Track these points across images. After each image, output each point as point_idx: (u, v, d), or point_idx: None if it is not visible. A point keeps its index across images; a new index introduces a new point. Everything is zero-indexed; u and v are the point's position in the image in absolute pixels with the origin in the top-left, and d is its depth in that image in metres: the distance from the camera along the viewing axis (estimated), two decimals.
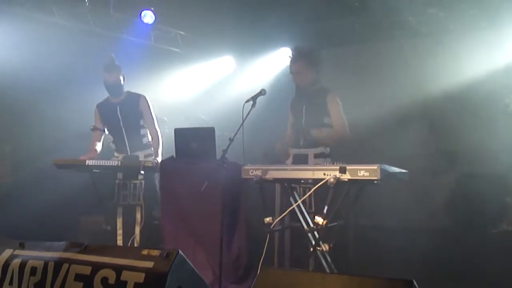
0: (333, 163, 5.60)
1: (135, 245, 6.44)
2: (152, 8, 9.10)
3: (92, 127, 7.15)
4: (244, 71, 10.30)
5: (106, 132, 7.16)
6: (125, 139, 6.98)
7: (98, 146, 7.11)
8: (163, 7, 9.23)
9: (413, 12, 8.23)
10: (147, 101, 7.02)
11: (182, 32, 10.24)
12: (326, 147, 6.11)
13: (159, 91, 7.19)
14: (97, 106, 7.20)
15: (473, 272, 5.86)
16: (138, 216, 6.54)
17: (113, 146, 7.11)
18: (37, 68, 8.03)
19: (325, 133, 6.07)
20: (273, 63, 10.12)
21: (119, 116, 6.97)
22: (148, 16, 9.13)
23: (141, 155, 6.85)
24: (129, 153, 6.94)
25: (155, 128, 6.94)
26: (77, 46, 8.78)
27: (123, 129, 6.96)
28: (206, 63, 10.67)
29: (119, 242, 6.54)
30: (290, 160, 6.27)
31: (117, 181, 6.64)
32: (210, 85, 10.63)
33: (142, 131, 6.98)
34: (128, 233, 6.60)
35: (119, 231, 6.62)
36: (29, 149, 8.37)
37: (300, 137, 6.23)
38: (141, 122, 7.00)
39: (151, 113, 7.01)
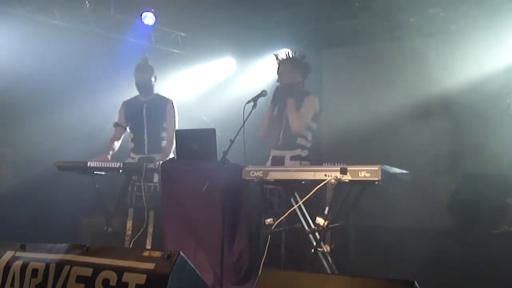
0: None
1: (147, 247, 6.45)
2: (153, 10, 9.11)
3: (114, 123, 7.21)
4: (245, 72, 10.30)
5: (128, 130, 7.20)
6: (145, 138, 7.04)
7: (117, 144, 7.20)
8: (164, 9, 9.23)
9: (414, 13, 8.24)
10: (173, 106, 7.12)
11: (182, 33, 10.25)
12: (303, 150, 6.12)
13: (160, 92, 7.19)
14: (123, 103, 7.32)
15: (474, 273, 5.86)
16: (151, 219, 6.55)
17: (131, 145, 7.14)
18: (38, 69, 8.04)
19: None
20: (274, 64, 10.10)
21: (144, 114, 7.06)
22: (148, 18, 9.13)
23: (157, 157, 6.86)
24: (146, 153, 6.97)
25: (173, 135, 6.96)
26: (78, 48, 8.78)
27: (145, 128, 7.02)
28: (207, 64, 10.67)
29: (127, 243, 6.55)
30: (269, 162, 6.31)
31: (131, 182, 6.64)
32: (211, 86, 10.63)
33: (163, 134, 7.03)
34: (135, 235, 6.60)
35: (128, 232, 6.63)
36: (30, 151, 8.36)
37: (279, 139, 6.26)
38: (164, 125, 7.06)
39: (174, 118, 7.10)
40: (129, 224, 6.65)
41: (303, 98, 6.18)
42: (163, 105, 7.10)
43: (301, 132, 6.10)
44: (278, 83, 6.34)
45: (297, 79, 6.31)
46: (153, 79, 7.11)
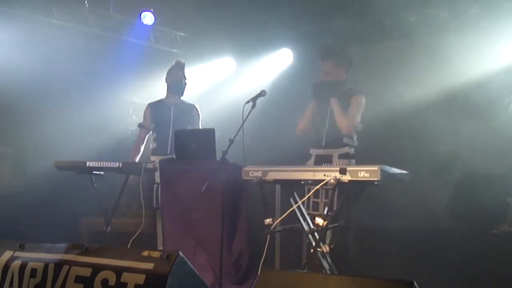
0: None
1: (160, 248, 6.46)
2: (152, 9, 9.11)
3: (139, 124, 7.25)
4: (244, 72, 10.30)
5: (151, 132, 7.22)
6: (169, 138, 6.97)
7: (142, 146, 7.24)
8: (163, 8, 9.24)
9: (413, 13, 8.23)
10: (199, 111, 7.22)
11: (182, 33, 10.25)
12: (350, 147, 6.05)
13: (159, 92, 7.19)
14: (149, 104, 7.29)
15: (474, 273, 5.86)
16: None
17: (153, 145, 7.13)
18: (37, 69, 8.04)
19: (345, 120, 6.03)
20: (274, 64, 10.12)
21: (172, 115, 7.06)
22: (147, 17, 9.14)
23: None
24: (168, 153, 6.92)
25: None
26: (77, 48, 8.79)
27: (171, 129, 6.98)
28: (206, 64, 10.65)
29: (160, 247, 6.55)
30: (312, 161, 6.18)
31: (155, 185, 6.67)
32: (210, 86, 10.62)
33: None
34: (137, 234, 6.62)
35: (159, 236, 6.64)
36: (30, 151, 8.37)
37: (323, 138, 6.15)
38: (189, 128, 7.05)
39: (199, 123, 7.20)
40: (159, 226, 6.66)
41: (350, 97, 6.12)
42: (190, 109, 7.15)
43: (351, 133, 6.06)
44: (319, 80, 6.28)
45: (341, 77, 6.26)
46: (185, 83, 7.19)
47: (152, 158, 7.05)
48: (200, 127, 7.15)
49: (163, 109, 7.12)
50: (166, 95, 7.23)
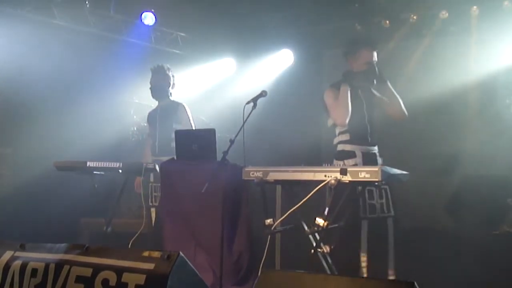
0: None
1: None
2: (153, 10, 9.11)
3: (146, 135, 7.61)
4: (245, 72, 10.31)
5: None
6: (157, 140, 7.19)
7: (148, 152, 7.42)
8: (164, 9, 9.24)
9: (414, 14, 8.24)
10: (185, 109, 7.23)
11: (182, 34, 10.25)
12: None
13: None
14: (148, 113, 7.58)
15: (474, 274, 5.86)
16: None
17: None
18: (37, 70, 8.04)
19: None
20: (274, 64, 10.13)
21: (157, 118, 7.24)
22: (148, 18, 9.14)
23: (165, 159, 6.87)
24: (156, 153, 7.09)
25: None
26: (78, 48, 8.79)
27: (157, 131, 7.19)
28: (206, 65, 10.66)
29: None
30: (359, 159, 5.84)
31: (150, 184, 6.76)
32: (211, 87, 10.63)
33: (173, 135, 7.00)
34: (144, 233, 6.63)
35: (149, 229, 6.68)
36: (30, 151, 8.37)
37: (368, 133, 5.91)
38: (174, 126, 7.08)
39: (189, 120, 7.21)
40: (150, 224, 6.69)
41: (384, 86, 5.93)
42: (175, 109, 7.22)
43: (403, 120, 5.89)
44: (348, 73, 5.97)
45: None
46: (167, 83, 7.27)
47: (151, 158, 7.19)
48: (192, 124, 7.18)
49: (153, 114, 7.39)
50: None
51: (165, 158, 6.82)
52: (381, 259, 5.66)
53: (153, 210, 6.78)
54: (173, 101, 7.34)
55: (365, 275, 5.59)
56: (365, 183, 4.92)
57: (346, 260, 5.88)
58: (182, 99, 7.28)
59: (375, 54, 5.95)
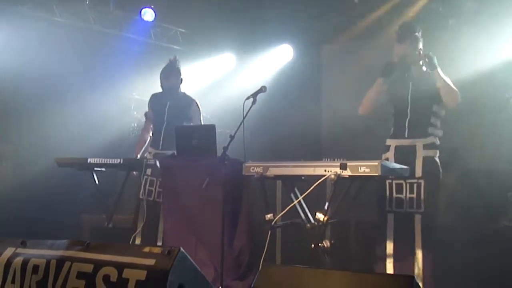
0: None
1: (158, 243, 6.47)
2: (152, 6, 9.12)
3: (144, 113, 7.34)
4: (245, 68, 10.31)
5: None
6: (162, 134, 7.02)
7: (147, 136, 7.27)
8: (163, 5, 9.24)
9: (414, 9, 8.23)
10: (198, 107, 7.14)
11: (182, 30, 10.25)
12: (435, 137, 5.72)
13: (160, 89, 7.20)
14: (152, 95, 7.34)
15: (473, 268, 5.87)
16: (161, 215, 6.57)
17: (152, 137, 7.20)
18: (38, 66, 8.05)
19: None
20: (274, 60, 10.13)
21: (166, 111, 7.04)
22: (148, 14, 9.14)
23: (169, 153, 6.86)
24: (160, 148, 6.96)
25: None
26: (78, 44, 8.81)
27: (164, 123, 7.01)
28: (206, 60, 10.66)
29: (137, 239, 6.57)
30: (391, 153, 5.79)
31: (145, 177, 6.67)
32: (211, 82, 10.62)
33: None
34: (146, 228, 6.62)
35: (139, 224, 6.65)
36: (31, 148, 8.38)
37: (405, 127, 5.75)
38: (185, 124, 7.00)
39: (200, 118, 7.13)
40: (141, 220, 6.67)
41: (432, 76, 5.67)
42: (188, 105, 7.10)
43: (455, 106, 5.69)
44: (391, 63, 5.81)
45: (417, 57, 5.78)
46: (178, 81, 7.14)
47: (149, 149, 7.13)
48: (202, 122, 7.13)
49: (160, 104, 7.14)
50: None
51: (167, 153, 6.84)
52: (404, 255, 5.63)
53: (142, 204, 6.72)
54: (184, 95, 7.21)
55: (390, 271, 5.55)
56: (365, 178, 4.92)
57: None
58: (195, 98, 7.22)
59: (403, 49, 5.80)
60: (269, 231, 5.23)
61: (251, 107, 5.36)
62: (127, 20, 9.33)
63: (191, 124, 7.01)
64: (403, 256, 5.58)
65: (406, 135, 5.72)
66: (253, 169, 5.28)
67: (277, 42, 9.96)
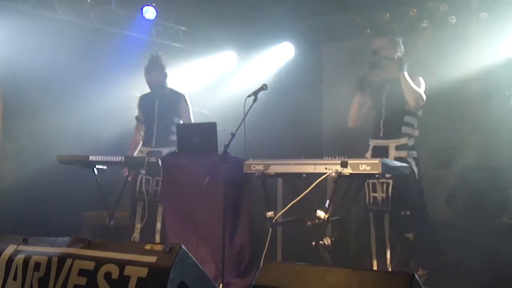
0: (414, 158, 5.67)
1: (157, 241, 6.48)
2: (154, 4, 9.11)
3: (136, 117, 7.31)
4: (246, 66, 10.30)
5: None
6: (154, 131, 7.02)
7: (139, 138, 7.22)
8: (165, 3, 9.23)
9: (414, 6, 8.23)
10: (187, 101, 7.08)
11: (184, 28, 10.25)
12: (409, 138, 5.85)
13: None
14: (140, 97, 7.33)
15: (474, 265, 5.88)
16: (159, 213, 6.58)
17: (143, 138, 7.17)
18: (39, 65, 8.05)
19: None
20: (275, 58, 10.13)
21: (156, 109, 7.04)
22: (149, 12, 9.13)
23: (165, 151, 6.85)
24: (153, 146, 6.96)
25: None
26: (79, 43, 8.81)
27: (155, 121, 7.02)
28: (208, 58, 10.66)
29: (136, 237, 6.58)
30: (369, 153, 5.99)
31: (140, 176, 6.69)
32: (212, 80, 10.63)
33: (172, 128, 6.94)
34: (144, 227, 6.64)
35: (137, 225, 6.66)
36: (32, 146, 8.40)
37: (380, 127, 5.96)
38: (175, 119, 7.00)
39: (189, 113, 7.07)
40: (138, 218, 6.69)
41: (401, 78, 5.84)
42: (176, 100, 7.07)
43: (417, 107, 5.83)
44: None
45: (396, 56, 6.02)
46: (163, 76, 7.09)
47: (142, 148, 7.10)
48: (192, 117, 7.08)
49: (149, 102, 7.14)
50: None
51: (162, 150, 6.85)
52: (382, 253, 5.72)
53: (139, 203, 6.73)
54: (172, 90, 7.19)
55: (374, 267, 5.65)
56: (366, 176, 4.93)
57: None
58: (184, 93, 7.22)
59: (381, 42, 6.10)
60: (270, 229, 5.25)
61: (252, 105, 5.38)
62: (128, 18, 9.32)
63: (181, 119, 7.02)
64: (382, 253, 5.75)
65: (381, 135, 5.95)
66: (254, 167, 5.29)
67: (278, 40, 9.96)
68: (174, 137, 6.91)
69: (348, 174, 4.73)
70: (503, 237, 6.31)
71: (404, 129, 5.85)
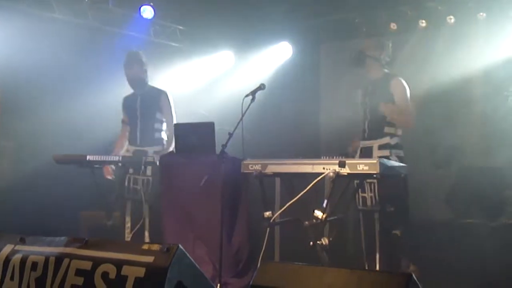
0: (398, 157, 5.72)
1: (146, 240, 6.46)
2: (151, 3, 9.10)
3: (122, 119, 7.30)
4: (244, 65, 10.30)
5: None
6: (138, 130, 7.02)
7: (122, 139, 7.24)
8: (163, 2, 9.22)
9: (412, 6, 8.24)
10: (168, 97, 7.06)
11: (181, 27, 10.24)
12: (392, 137, 5.95)
13: (159, 86, 7.19)
14: (124, 98, 7.30)
15: (472, 266, 5.89)
16: (146, 213, 6.56)
17: (129, 136, 7.16)
18: (37, 63, 8.03)
19: (391, 109, 5.91)
20: (273, 57, 10.12)
21: (138, 107, 7.03)
22: (147, 11, 9.12)
23: (150, 150, 6.84)
24: (138, 144, 6.96)
25: (172, 126, 6.93)
26: (76, 42, 8.79)
27: (138, 119, 7.01)
28: (205, 58, 10.65)
29: (127, 236, 6.57)
30: (358, 154, 6.16)
31: (128, 176, 6.66)
32: (210, 80, 10.62)
33: (156, 125, 6.97)
34: (134, 227, 6.63)
35: (127, 225, 6.65)
36: (30, 145, 8.38)
37: (366, 130, 6.14)
38: (158, 116, 7.01)
39: (171, 109, 7.05)
40: (128, 217, 6.68)
41: (389, 83, 6.04)
42: (157, 97, 7.04)
43: (414, 126, 5.98)
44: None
45: (379, 62, 6.20)
46: (142, 73, 7.04)
47: (128, 147, 7.11)
48: (173, 113, 7.05)
49: (131, 101, 7.13)
50: None
51: (147, 149, 6.83)
52: (372, 252, 5.76)
53: (128, 203, 6.72)
54: (153, 88, 7.17)
55: (366, 267, 5.68)
56: (363, 176, 4.93)
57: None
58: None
59: (369, 42, 6.28)
60: (268, 229, 5.24)
61: (250, 104, 5.38)
62: (126, 17, 9.31)
63: (163, 116, 7.02)
64: (372, 252, 5.81)
65: (366, 136, 6.11)
66: (251, 167, 5.28)
67: (276, 40, 9.96)
68: (158, 135, 6.95)
69: (346, 174, 4.73)
70: (502, 237, 6.31)
71: (386, 128, 5.98)
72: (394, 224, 5.71)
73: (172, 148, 6.79)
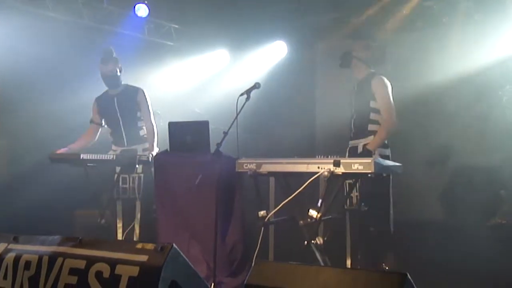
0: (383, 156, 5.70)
1: (135, 239, 6.45)
2: (146, 2, 9.08)
3: (90, 119, 7.23)
4: (239, 64, 10.29)
5: (104, 125, 7.17)
6: (123, 130, 6.99)
7: (87, 138, 7.19)
8: (157, 1, 9.21)
9: (408, 6, 8.24)
10: (144, 94, 7.01)
11: (176, 26, 10.22)
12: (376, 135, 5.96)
13: (153, 84, 7.19)
14: (96, 99, 7.23)
15: (466, 265, 5.89)
16: (138, 210, 6.55)
17: (111, 138, 7.12)
18: (31, 62, 8.02)
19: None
20: (268, 56, 10.12)
21: (117, 108, 6.98)
22: (141, 10, 9.10)
23: (139, 148, 6.83)
24: (126, 145, 6.94)
25: (151, 122, 6.92)
26: (71, 40, 8.77)
27: (120, 121, 6.97)
28: (200, 57, 10.64)
29: (119, 235, 6.56)
30: (346, 153, 6.19)
31: (116, 175, 6.65)
32: (205, 79, 10.61)
33: (139, 123, 6.97)
34: (126, 226, 6.62)
35: (119, 225, 6.64)
36: (24, 144, 8.36)
37: (352, 129, 6.19)
38: (138, 114, 6.99)
39: (148, 107, 7.00)
40: (119, 218, 6.67)
41: (370, 81, 6.06)
42: (134, 95, 7.00)
43: (395, 125, 5.96)
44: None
45: (361, 64, 6.28)
46: (117, 69, 6.96)
47: (114, 147, 7.08)
48: (150, 110, 7.01)
49: (107, 102, 7.07)
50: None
51: (136, 147, 6.82)
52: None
53: (118, 203, 6.72)
54: (128, 86, 7.11)
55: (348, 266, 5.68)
56: (358, 175, 4.93)
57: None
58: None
59: (359, 44, 6.25)
60: (262, 228, 5.24)
61: (245, 103, 5.38)
62: (120, 16, 9.30)
63: (141, 113, 7.00)
64: (356, 251, 5.83)
65: (352, 136, 6.17)
66: (246, 166, 5.28)
67: (271, 39, 9.95)
68: (143, 132, 6.93)
69: (340, 173, 4.73)
70: (495, 237, 6.32)
71: (370, 127, 6.01)
72: (373, 222, 5.72)
73: (156, 141, 6.84)
